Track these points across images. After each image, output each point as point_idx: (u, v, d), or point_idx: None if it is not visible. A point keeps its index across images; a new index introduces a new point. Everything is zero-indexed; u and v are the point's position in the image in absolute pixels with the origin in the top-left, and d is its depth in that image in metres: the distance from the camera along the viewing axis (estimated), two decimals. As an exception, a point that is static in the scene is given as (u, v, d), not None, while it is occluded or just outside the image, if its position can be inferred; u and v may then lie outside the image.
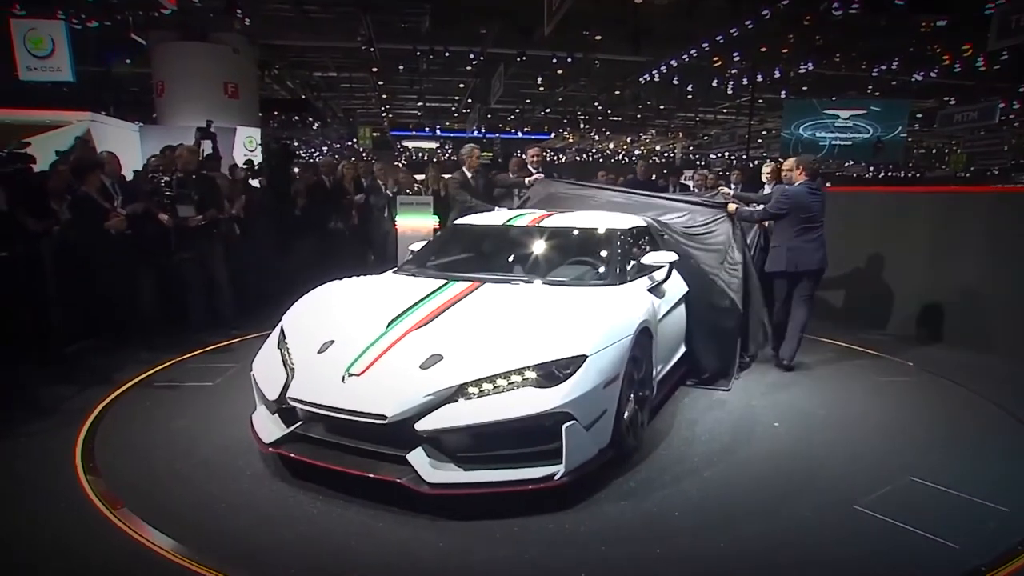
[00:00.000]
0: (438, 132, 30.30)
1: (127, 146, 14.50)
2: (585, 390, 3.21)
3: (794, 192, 5.58)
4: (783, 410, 4.66)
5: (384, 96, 29.12)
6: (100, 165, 6.10)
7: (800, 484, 3.55)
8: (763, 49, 17.78)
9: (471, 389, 3.18)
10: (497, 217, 5.11)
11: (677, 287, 4.90)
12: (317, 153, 32.99)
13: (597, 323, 3.53)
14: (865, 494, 3.40)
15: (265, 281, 7.77)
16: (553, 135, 32.02)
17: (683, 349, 5.12)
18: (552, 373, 3.23)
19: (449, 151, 32.55)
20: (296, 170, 9.43)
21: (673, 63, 20.03)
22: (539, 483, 3.15)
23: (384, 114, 28.82)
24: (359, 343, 3.51)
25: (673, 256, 4.50)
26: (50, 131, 16.29)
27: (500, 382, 3.20)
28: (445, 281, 4.23)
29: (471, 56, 20.54)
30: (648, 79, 21.94)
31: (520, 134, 30.49)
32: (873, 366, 5.92)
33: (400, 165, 18.13)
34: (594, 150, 37.10)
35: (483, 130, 27.48)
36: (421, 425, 3.09)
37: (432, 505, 3.13)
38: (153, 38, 16.52)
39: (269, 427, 3.55)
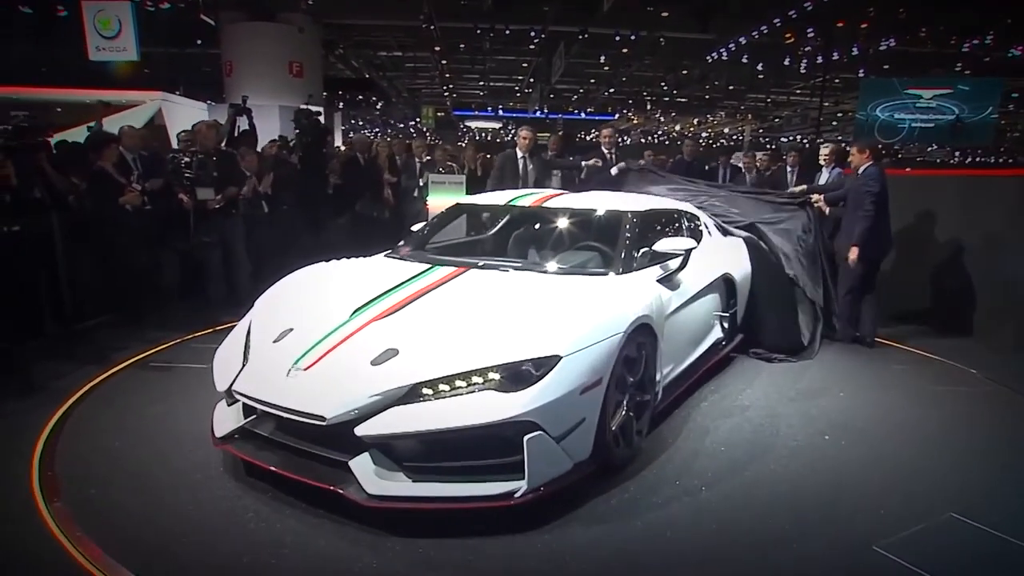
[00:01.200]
0: (500, 112, 29.85)
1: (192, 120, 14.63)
2: (556, 396, 2.77)
3: (879, 173, 5.54)
4: (812, 421, 4.08)
5: (447, 75, 28.87)
6: (115, 140, 5.96)
7: (817, 513, 3.01)
8: (840, 24, 16.55)
9: (425, 390, 2.79)
10: (500, 197, 4.67)
11: (702, 275, 4.38)
12: (382, 133, 33.08)
13: (578, 319, 3.07)
14: (891, 531, 2.85)
15: (290, 261, 7.54)
16: (617, 116, 31.06)
17: (708, 344, 4.59)
18: (520, 375, 2.80)
19: (512, 131, 32.03)
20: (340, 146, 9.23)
21: (743, 41, 18.96)
22: (497, 501, 2.74)
23: (446, 94, 28.57)
24: (315, 333, 3.17)
25: (690, 243, 3.96)
26: (125, 110, 16.76)
27: (459, 384, 2.80)
28: (429, 266, 3.85)
29: (532, 34, 19.98)
30: (716, 58, 20.88)
31: (583, 115, 29.73)
32: (929, 372, 5.21)
33: (462, 145, 17.78)
34: (660, 132, 35.86)
35: (545, 110, 26.84)
36: (363, 429, 2.72)
37: (381, 517, 2.76)
38: (223, 18, 16.71)
39: (225, 420, 3.27)
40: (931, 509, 3.05)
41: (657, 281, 3.84)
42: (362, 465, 2.77)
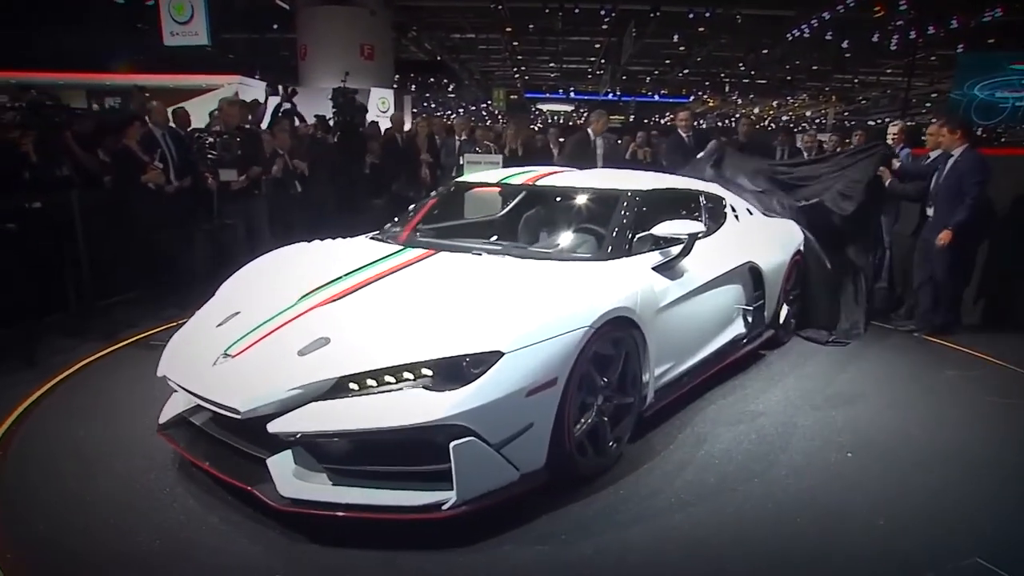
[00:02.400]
0: (572, 95, 29.20)
1: (270, 107, 14.89)
2: (493, 398, 2.42)
3: (982, 159, 5.12)
4: (834, 434, 3.55)
5: (519, 57, 28.47)
6: (139, 117, 5.92)
7: (804, 553, 2.54)
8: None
9: (352, 385, 2.49)
10: (493, 175, 4.28)
11: (717, 263, 3.92)
12: (454, 115, 33.01)
13: (530, 310, 2.69)
14: (894, 577, 2.35)
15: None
16: (692, 99, 29.83)
17: (724, 340, 4.10)
18: (456, 373, 2.46)
19: (584, 114, 31.32)
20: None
21: (827, 16, 17.70)
22: (423, 512, 2.42)
23: (517, 76, 28.17)
24: (256, 318, 2.92)
25: (694, 227, 3.48)
26: (204, 94, 17.29)
27: (388, 379, 2.49)
28: (399, 248, 3.53)
29: (602, 13, 19.31)
30: (798, 35, 19.62)
31: (657, 97, 28.70)
32: (988, 381, 4.51)
33: (535, 128, 17.39)
34: (737, 115, 34.23)
35: (617, 93, 26.07)
36: (276, 425, 2.45)
37: (305, 522, 2.49)
38: (299, 2, 16.93)
39: (173, 406, 3.07)
40: (957, 549, 2.53)
41: (653, 269, 3.39)
42: (280, 464, 2.50)
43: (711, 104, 32.49)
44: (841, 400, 4.01)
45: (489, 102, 30.66)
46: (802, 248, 5.19)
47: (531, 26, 22.07)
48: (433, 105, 33.22)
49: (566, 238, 3.70)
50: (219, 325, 3.00)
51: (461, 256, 3.35)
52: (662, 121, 28.66)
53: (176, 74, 19.06)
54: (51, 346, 4.68)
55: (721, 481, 3.00)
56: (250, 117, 8.25)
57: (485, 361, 2.47)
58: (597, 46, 25.60)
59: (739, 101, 31.01)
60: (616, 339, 2.97)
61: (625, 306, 2.94)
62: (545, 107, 33.31)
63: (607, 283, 2.98)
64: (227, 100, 6.57)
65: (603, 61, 25.64)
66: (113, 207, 5.74)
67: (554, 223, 3.91)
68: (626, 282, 3.06)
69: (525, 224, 4.00)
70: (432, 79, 28.60)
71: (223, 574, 2.33)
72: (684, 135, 7.18)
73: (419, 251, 3.42)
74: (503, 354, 2.48)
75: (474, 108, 33.95)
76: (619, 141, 9.04)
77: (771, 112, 32.89)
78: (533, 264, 3.24)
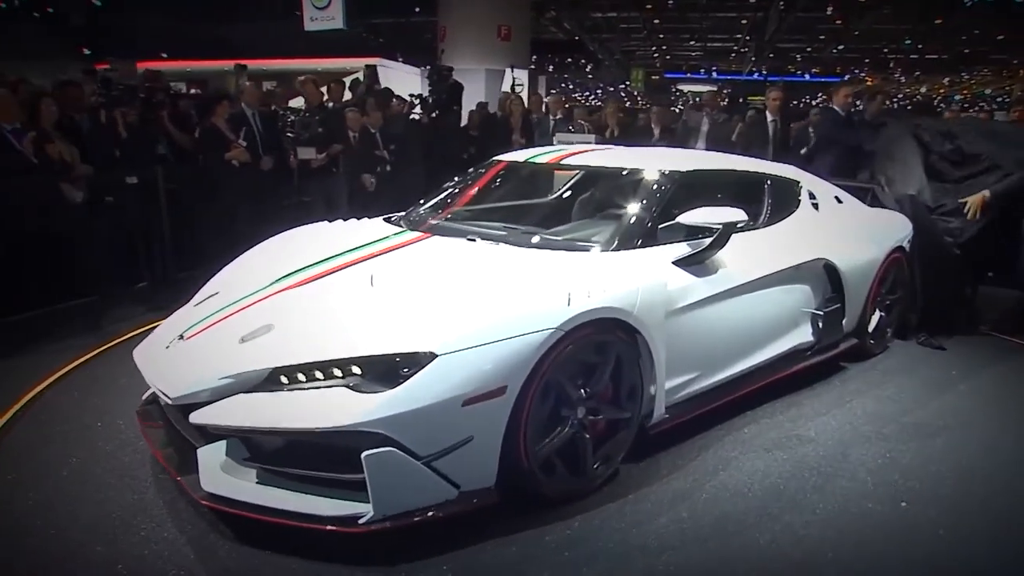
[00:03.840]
0: (715, 74, 27.51)
1: (411, 87, 15.19)
2: (420, 404, 2.10)
3: None
4: (891, 475, 2.87)
5: (660, 36, 27.19)
6: (226, 97, 6.07)
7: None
8: None
9: (283, 378, 2.27)
10: (523, 154, 3.85)
11: (772, 258, 3.34)
12: (592, 96, 32.30)
13: (480, 307, 2.31)
14: None
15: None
16: (847, 77, 27.06)
17: (781, 349, 3.49)
18: (387, 373, 2.17)
19: (727, 93, 29.40)
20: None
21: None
22: (338, 524, 2.15)
23: (656, 55, 26.96)
24: (225, 300, 2.79)
25: (732, 215, 2.90)
26: (347, 76, 18.05)
27: (318, 375, 2.24)
28: (399, 230, 3.25)
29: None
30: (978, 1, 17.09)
31: (808, 76, 26.29)
32: None
33: (676, 111, 16.45)
34: (900, 95, 30.62)
35: (763, 71, 24.18)
36: (198, 416, 2.27)
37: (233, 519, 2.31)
38: (440, -15, 17.09)
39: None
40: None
41: (674, 264, 2.87)
42: (210, 455, 2.33)
43: (870, 83, 29.37)
44: (919, 432, 3.27)
45: (627, 83, 29.62)
46: (907, 245, 4.35)
47: (670, 2, 20.90)
48: (571, 86, 32.68)
49: (582, 224, 3.26)
50: (196, 305, 2.89)
51: (453, 242, 3.01)
52: (813, 102, 26.25)
53: (325, 58, 19.97)
54: (115, 315, 4.87)
55: (719, 521, 2.48)
56: (349, 95, 8.34)
57: (416, 362, 2.15)
58: (744, 22, 23.83)
59: (902, 79, 27.71)
60: (602, 344, 2.53)
61: (614, 306, 2.48)
62: (686, 87, 31.64)
63: (596, 279, 2.52)
64: (309, 78, 6.58)
65: (748, 38, 23.83)
66: (199, 183, 5.94)
67: (574, 206, 3.46)
68: (623, 278, 2.59)
69: (543, 207, 3.58)
70: (569, 59, 28.07)
71: (137, 559, 2.19)
72: (842, 113, 6.32)
73: (414, 235, 3.12)
74: (436, 356, 2.14)
75: (612, 89, 33.00)
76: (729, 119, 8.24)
77: (941, 91, 29.15)
78: (526, 253, 2.83)
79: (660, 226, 3.01)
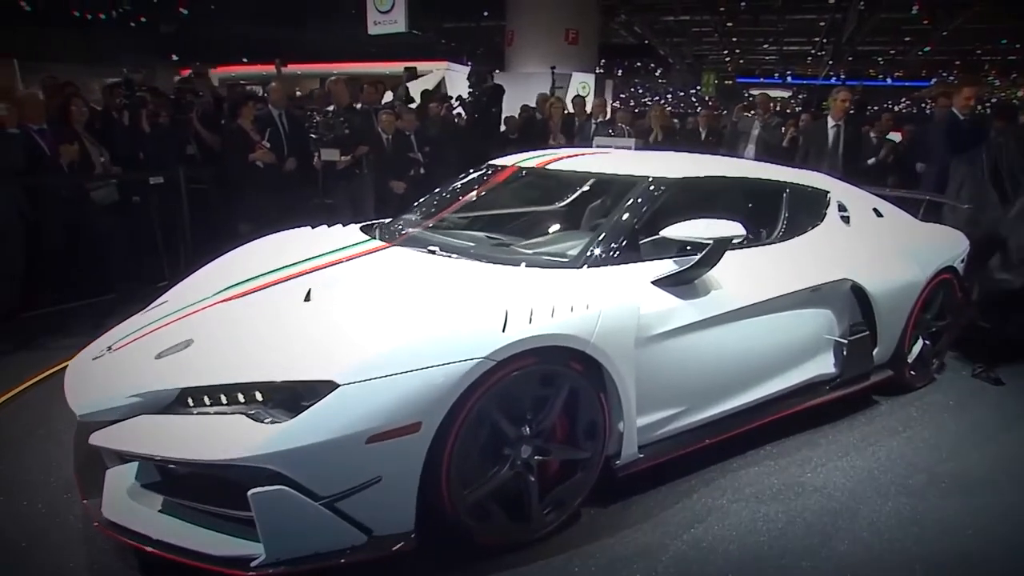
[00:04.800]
0: (789, 79, 26.23)
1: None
2: (316, 440, 1.83)
3: None
4: (910, 542, 2.40)
5: (734, 39, 26.13)
6: (252, 97, 6.01)
7: None
8: None
9: (190, 400, 2.04)
10: (514, 158, 3.51)
11: (779, 279, 2.91)
12: (663, 101, 31.42)
13: (394, 331, 2.02)
14: None
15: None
16: (934, 81, 25.21)
17: (792, 381, 3.04)
18: (287, 402, 1.91)
19: (802, 98, 27.96)
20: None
21: None
22: (226, 565, 1.90)
23: (728, 59, 25.95)
24: (169, 308, 2.60)
25: (726, 229, 2.50)
26: (417, 78, 18.20)
27: (223, 399, 2.00)
28: (364, 239, 2.98)
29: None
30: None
31: (890, 80, 24.66)
32: None
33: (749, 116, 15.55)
34: (993, 99, 28.29)
35: (841, 76, 22.84)
36: (97, 437, 2.07)
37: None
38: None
39: None
40: None
41: (653, 283, 2.50)
42: (118, 478, 2.13)
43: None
44: (954, 487, 2.76)
45: (698, 87, 28.67)
46: (958, 265, 3.79)
47: (743, 3, 19.99)
48: (640, 91, 31.93)
49: (563, 235, 2.92)
50: (143, 312, 2.72)
51: (410, 254, 2.71)
52: (895, 108, 24.63)
53: (391, 61, 20.20)
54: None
55: (678, 588, 2.10)
56: (390, 96, 8.22)
57: (316, 392, 1.87)
58: (822, 24, 22.59)
59: (997, 82, 25.62)
60: (549, 376, 2.19)
61: (562, 333, 2.14)
62: (758, 92, 30.44)
63: (548, 300, 2.18)
64: (338, 79, 6.45)
65: (825, 41, 22.54)
66: (223, 183, 5.90)
67: (559, 216, 3.11)
68: (581, 301, 2.23)
69: (528, 216, 3.25)
70: (639, 63, 27.39)
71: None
72: (961, 116, 5.72)
73: (374, 245, 2.85)
74: (337, 386, 1.87)
75: (682, 93, 32.05)
76: (783, 127, 7.66)
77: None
78: (483, 270, 2.50)
79: (644, 240, 2.64)
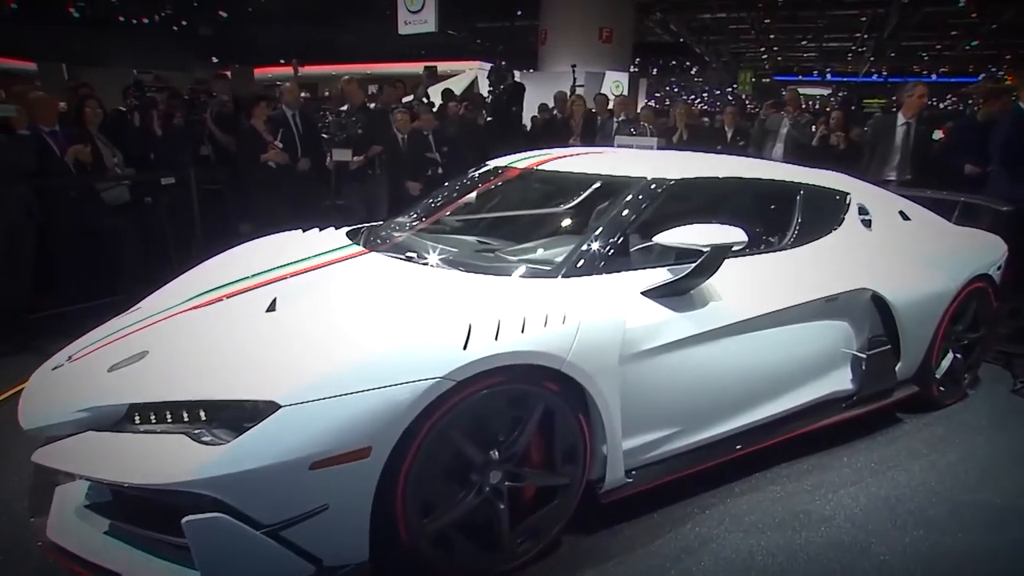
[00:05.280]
0: (828, 76, 25.39)
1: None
2: (256, 465, 1.68)
3: None
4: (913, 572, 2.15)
5: (771, 36, 25.46)
6: (265, 98, 5.93)
7: None
8: None
9: (137, 417, 1.91)
10: (507, 159, 3.31)
11: (792, 287, 2.67)
12: (698, 100, 30.80)
13: (342, 348, 1.85)
14: None
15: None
16: (982, 77, 24.11)
17: (805, 399, 2.80)
18: (231, 423, 1.77)
19: (841, 96, 27.03)
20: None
21: None
22: (163, 597, 1.76)
23: (765, 57, 25.28)
24: (134, 317, 2.47)
25: (723, 236, 2.28)
26: (450, 78, 18.19)
27: (168, 416, 1.86)
28: (345, 243, 2.83)
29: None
30: None
31: (935, 77, 23.66)
32: None
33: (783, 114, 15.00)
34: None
35: (883, 72, 22.00)
36: (40, 455, 1.95)
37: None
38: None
39: None
40: None
41: (644, 294, 2.29)
42: (67, 497, 2.02)
43: (1009, 81, 26.14)
44: (979, 519, 2.49)
45: (735, 85, 28.00)
46: (994, 273, 3.48)
47: (781, 0, 19.41)
48: (675, 89, 31.34)
49: (553, 241, 2.71)
50: (114, 321, 2.61)
51: (385, 262, 2.54)
52: (941, 105, 23.64)
53: (425, 61, 20.21)
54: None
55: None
56: (411, 97, 8.11)
57: (259, 413, 1.72)
58: (863, 19, 21.82)
59: (1049, 78, 24.40)
60: (520, 396, 2.00)
61: (532, 350, 1.95)
62: (788, 89, 29.58)
63: (516, 313, 1.98)
64: (351, 79, 6.34)
65: (866, 36, 21.75)
66: (236, 184, 5.84)
67: (553, 219, 2.91)
68: (557, 314, 2.03)
69: (522, 220, 3.05)
70: (674, 62, 26.91)
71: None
72: (904, 118, 5.39)
73: (353, 250, 2.69)
74: (279, 407, 1.71)
75: (719, 92, 31.37)
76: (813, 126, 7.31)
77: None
78: (457, 279, 2.32)
79: (636, 247, 2.43)
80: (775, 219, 2.95)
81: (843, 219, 3.11)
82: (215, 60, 24.43)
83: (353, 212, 6.07)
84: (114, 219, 5.14)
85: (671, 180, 2.62)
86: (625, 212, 2.47)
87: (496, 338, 1.88)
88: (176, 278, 2.95)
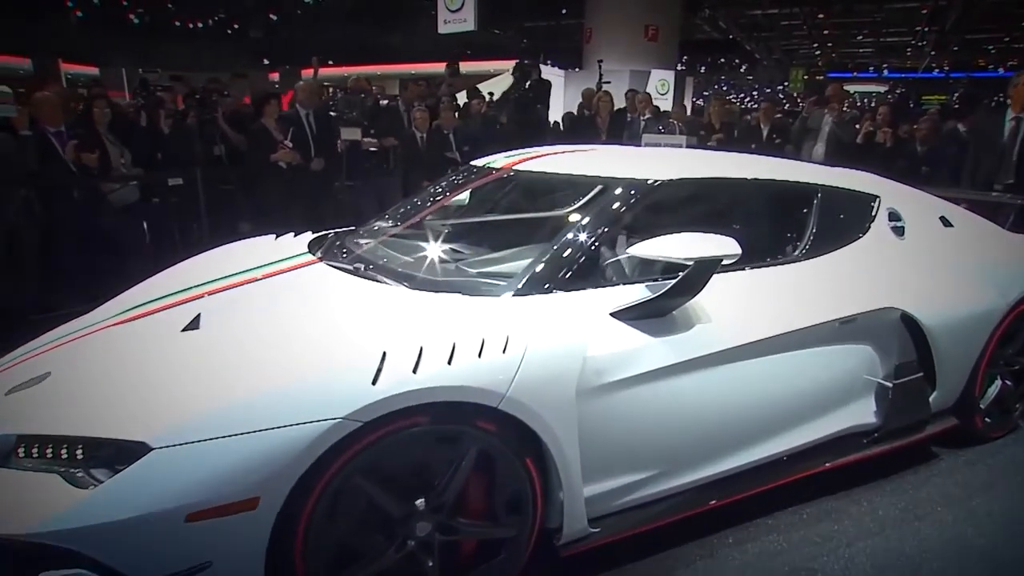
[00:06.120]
0: (885, 73, 24.11)
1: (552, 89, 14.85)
2: (128, 515, 1.43)
3: None
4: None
5: (825, 32, 24.34)
6: (275, 96, 5.77)
7: None
8: None
9: (20, 450, 1.67)
10: (483, 159, 2.96)
11: (801, 306, 2.30)
12: (749, 100, 29.77)
13: (229, 382, 1.58)
14: None
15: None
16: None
17: (815, 435, 2.41)
18: (106, 463, 1.51)
19: (899, 93, 25.60)
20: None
21: None
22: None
23: (818, 53, 24.22)
24: (65, 331, 2.26)
25: (711, 247, 1.92)
26: (494, 77, 18.04)
27: (49, 451, 1.62)
28: (301, 251, 2.55)
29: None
30: None
31: (1001, 71, 22.18)
32: None
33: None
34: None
35: (945, 68, 20.72)
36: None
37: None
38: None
39: None
40: None
41: (614, 315, 1.95)
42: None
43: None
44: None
45: (786, 83, 26.91)
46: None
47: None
48: (724, 88, 30.38)
49: (520, 252, 2.38)
50: (46, 335, 2.40)
51: (329, 274, 2.24)
52: (1006, 100, 22.17)
53: (470, 61, 20.11)
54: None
55: None
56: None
57: (131, 455, 1.47)
58: (924, 12, 20.63)
59: None
60: (450, 437, 1.69)
61: (459, 385, 1.63)
62: (852, 88, 28.14)
63: (445, 341, 1.66)
64: (356, 78, 6.15)
65: (927, 30, 20.51)
66: (246, 184, 5.70)
67: (514, 228, 2.58)
68: (498, 340, 1.71)
69: (481, 227, 2.73)
70: (723, 59, 26.07)
71: None
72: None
73: (303, 259, 2.41)
74: (150, 449, 1.45)
75: (768, 90, 30.25)
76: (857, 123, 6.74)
77: None
78: (391, 296, 1.99)
79: (610, 260, 2.09)
80: (785, 227, 2.56)
81: (869, 226, 2.68)
82: (266, 62, 24.84)
83: (366, 209, 5.87)
84: (121, 220, 5.05)
85: (657, 181, 2.25)
86: (596, 218, 2.12)
87: (415, 370, 1.58)
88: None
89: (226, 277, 2.33)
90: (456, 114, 6.81)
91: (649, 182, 2.24)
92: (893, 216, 2.78)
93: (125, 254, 5.02)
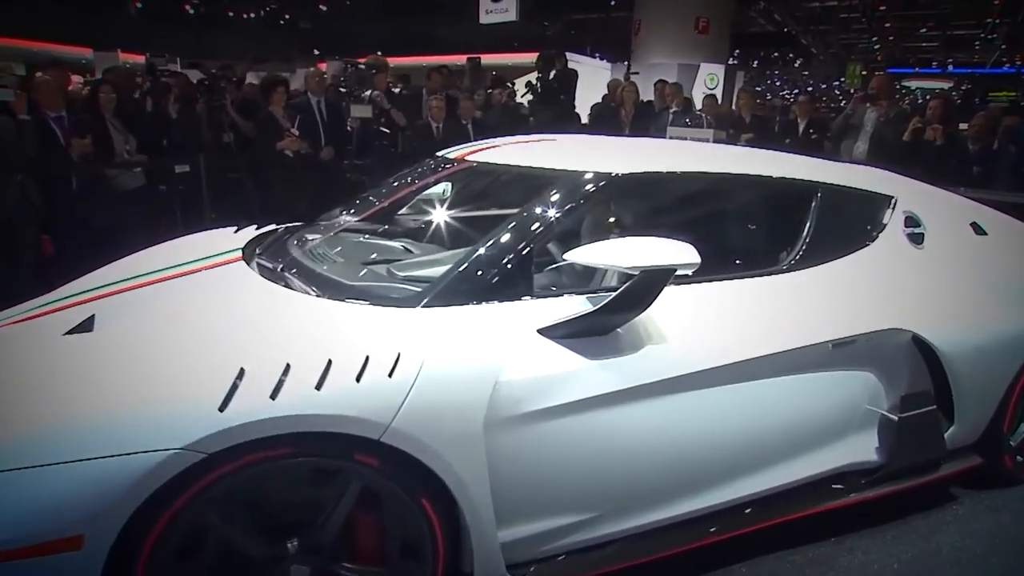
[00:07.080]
0: (950, 68, 22.71)
1: (596, 80, 14.64)
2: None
3: None
4: None
5: (887, 25, 23.09)
6: (283, 83, 5.61)
7: None
8: None
9: None
10: (452, 150, 2.67)
11: (785, 325, 1.98)
12: (802, 95, 28.57)
13: (64, 402, 1.37)
14: None
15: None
16: None
17: (799, 475, 2.08)
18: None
19: (964, 89, 24.07)
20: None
21: None
22: None
23: (878, 48, 23.03)
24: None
25: (666, 256, 1.62)
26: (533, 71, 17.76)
27: None
28: (228, 248, 2.32)
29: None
30: None
31: (1080, 65, 20.64)
32: None
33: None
34: None
35: (1017, 63, 19.35)
36: None
37: None
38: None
39: None
40: None
41: (541, 332, 1.67)
42: None
43: None
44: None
45: (842, 79, 25.67)
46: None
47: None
48: (778, 83, 29.20)
49: (446, 256, 2.10)
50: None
51: (243, 275, 2.01)
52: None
53: (514, 52, 19.87)
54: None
55: None
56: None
57: (-61, 480, 1.27)
58: (996, 2, 19.32)
59: None
60: (327, 471, 1.44)
61: (336, 414, 1.38)
62: (913, 84, 26.66)
63: (317, 360, 1.41)
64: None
65: (998, 21, 19.18)
66: (253, 172, 5.58)
67: (461, 226, 2.30)
68: (385, 360, 1.45)
69: (425, 227, 2.46)
70: (776, 53, 25.04)
71: None
72: None
73: (228, 256, 2.19)
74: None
75: (824, 86, 28.92)
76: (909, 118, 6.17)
77: None
78: (294, 307, 1.74)
79: (549, 268, 1.80)
80: (773, 231, 2.23)
81: (878, 233, 2.31)
82: (316, 52, 25.11)
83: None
84: (123, 206, 4.98)
85: (611, 176, 1.93)
86: (530, 218, 1.83)
87: (274, 395, 1.33)
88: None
89: (144, 275, 2.14)
90: (472, 104, 6.57)
91: (598, 177, 1.92)
92: (911, 221, 2.40)
93: (123, 241, 4.95)
